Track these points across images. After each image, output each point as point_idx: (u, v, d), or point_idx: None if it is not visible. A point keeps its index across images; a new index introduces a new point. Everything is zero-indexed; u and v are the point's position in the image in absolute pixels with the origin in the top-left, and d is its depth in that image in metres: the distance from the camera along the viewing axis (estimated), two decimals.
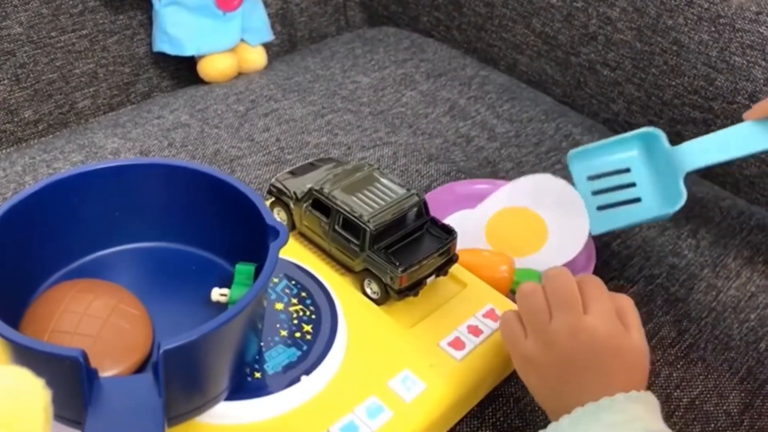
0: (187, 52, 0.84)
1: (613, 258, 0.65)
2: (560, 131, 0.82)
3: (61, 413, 0.39)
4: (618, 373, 0.43)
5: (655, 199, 0.60)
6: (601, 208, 0.61)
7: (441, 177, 0.71)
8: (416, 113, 0.81)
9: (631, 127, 0.86)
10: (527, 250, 0.62)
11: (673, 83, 0.81)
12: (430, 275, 0.52)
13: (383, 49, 0.93)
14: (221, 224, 0.47)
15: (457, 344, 0.50)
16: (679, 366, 0.56)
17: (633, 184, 0.61)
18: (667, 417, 0.52)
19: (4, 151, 0.76)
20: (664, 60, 0.81)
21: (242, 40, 0.87)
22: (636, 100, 0.85)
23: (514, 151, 0.78)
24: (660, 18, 0.80)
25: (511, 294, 0.55)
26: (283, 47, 0.99)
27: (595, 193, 0.62)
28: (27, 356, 0.35)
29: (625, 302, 0.46)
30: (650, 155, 0.61)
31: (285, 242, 0.42)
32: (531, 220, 0.65)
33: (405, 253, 0.51)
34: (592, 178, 0.62)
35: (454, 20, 0.98)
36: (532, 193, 0.65)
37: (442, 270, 0.53)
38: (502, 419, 0.50)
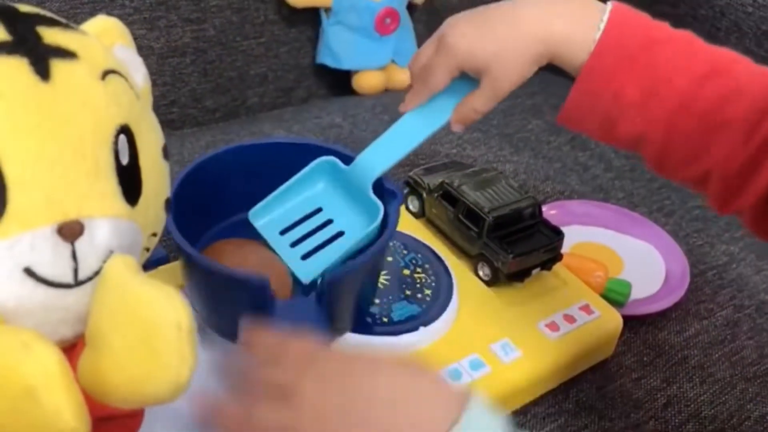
0: (345, 66, 0.97)
1: (706, 285, 0.70)
2: None
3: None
4: None
5: (356, 223, 0.54)
6: (306, 256, 0.54)
7: (555, 195, 0.79)
8: (539, 139, 0.90)
9: None
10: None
11: None
12: (535, 267, 0.61)
13: None
14: None
15: (552, 327, 0.58)
16: (756, 383, 0.61)
17: (331, 221, 0.56)
18: (737, 425, 0.58)
19: (189, 130, 0.91)
20: None
21: (392, 61, 1.00)
22: None
23: (628, 183, 0.85)
24: None
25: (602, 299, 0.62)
26: None
27: (295, 243, 0.55)
28: (222, 282, 0.46)
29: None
30: (335, 183, 0.56)
31: (401, 202, 0.53)
32: (609, 256, 0.71)
33: (516, 244, 0.60)
34: (284, 231, 0.55)
35: None
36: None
37: (546, 265, 0.61)
38: (584, 399, 0.58)
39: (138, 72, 0.43)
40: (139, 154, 0.40)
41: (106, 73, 0.39)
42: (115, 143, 0.37)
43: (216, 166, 0.56)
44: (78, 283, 0.35)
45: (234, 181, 0.56)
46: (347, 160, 0.56)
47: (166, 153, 0.44)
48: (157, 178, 0.42)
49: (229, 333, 0.50)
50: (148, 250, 0.42)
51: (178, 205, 0.45)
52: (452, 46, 0.50)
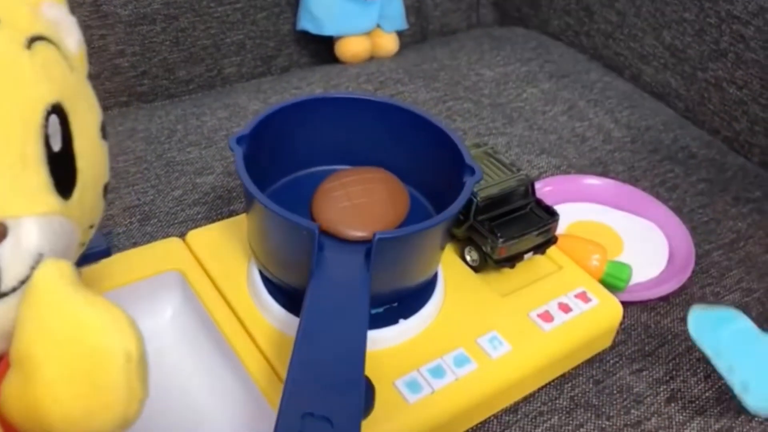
0: (327, 32, 0.91)
1: (712, 266, 0.66)
2: (677, 143, 0.83)
3: (288, 280, 0.48)
4: None
5: None
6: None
7: (551, 169, 0.74)
8: (534, 109, 0.84)
9: (751, 147, 0.85)
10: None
11: None
12: (528, 251, 0.55)
13: (510, 47, 0.96)
14: (419, 159, 0.54)
15: (546, 317, 0.53)
16: None
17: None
18: (746, 422, 0.53)
19: (159, 103, 0.85)
20: None
21: (378, 26, 0.94)
22: (760, 120, 0.84)
23: (628, 155, 0.79)
24: None
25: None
26: (414, 37, 1.04)
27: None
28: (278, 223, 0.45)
29: None
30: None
31: (480, 178, 0.49)
32: (608, 235, 0.66)
33: (507, 226, 0.55)
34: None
35: (583, 26, 1.00)
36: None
37: (540, 249, 0.56)
38: (579, 395, 0.53)
39: (71, 36, 0.37)
40: (74, 137, 0.34)
41: (32, 40, 0.33)
42: (45, 126, 0.32)
43: (282, 119, 0.52)
44: (1, 295, 0.30)
45: (298, 136, 0.54)
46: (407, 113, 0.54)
47: (105, 132, 0.39)
48: (95, 163, 0.36)
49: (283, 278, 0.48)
50: (83, 244, 0.37)
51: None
52: None
